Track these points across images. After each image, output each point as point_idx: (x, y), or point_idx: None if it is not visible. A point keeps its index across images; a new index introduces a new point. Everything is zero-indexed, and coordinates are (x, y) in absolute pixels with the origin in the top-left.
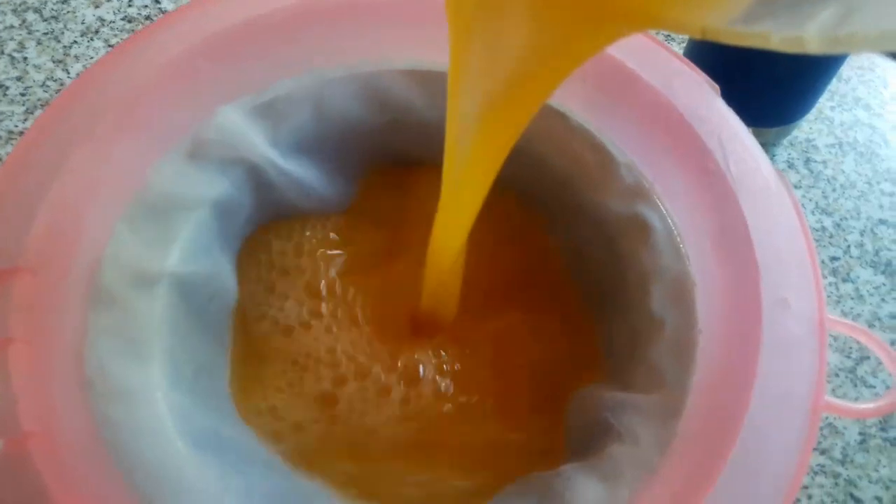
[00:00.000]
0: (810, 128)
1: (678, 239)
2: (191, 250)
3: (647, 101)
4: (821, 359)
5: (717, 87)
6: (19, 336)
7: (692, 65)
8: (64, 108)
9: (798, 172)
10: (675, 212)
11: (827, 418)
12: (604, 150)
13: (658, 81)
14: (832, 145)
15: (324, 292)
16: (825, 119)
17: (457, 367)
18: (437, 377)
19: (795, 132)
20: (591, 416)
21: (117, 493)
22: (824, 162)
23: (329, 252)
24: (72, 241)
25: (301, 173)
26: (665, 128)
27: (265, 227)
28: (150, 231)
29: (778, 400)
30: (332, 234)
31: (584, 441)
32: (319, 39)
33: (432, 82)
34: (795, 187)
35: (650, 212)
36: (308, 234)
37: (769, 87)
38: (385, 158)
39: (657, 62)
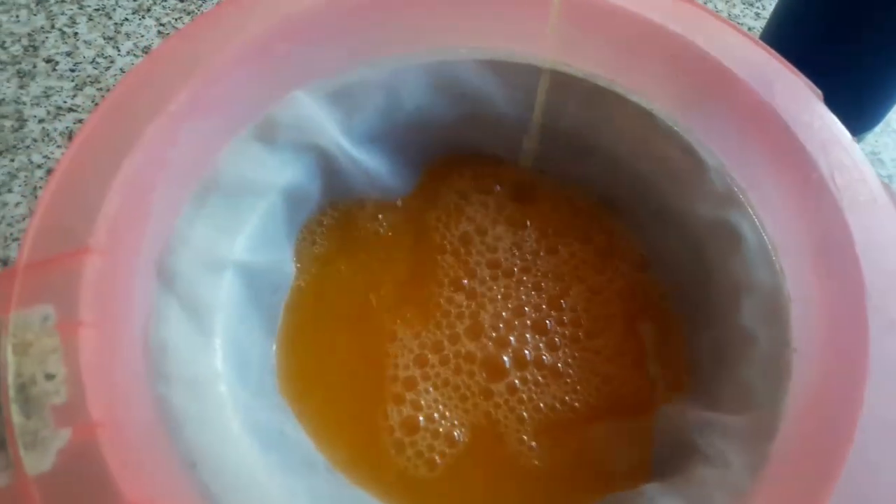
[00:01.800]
0: (876, 141)
1: (772, 251)
2: (259, 238)
3: (744, 103)
4: None
5: (819, 92)
6: (89, 319)
7: (793, 67)
8: (135, 86)
9: None
10: (770, 222)
11: None
12: (692, 152)
13: (757, 82)
14: None
15: (381, 289)
16: (892, 132)
17: (541, 377)
18: (519, 384)
19: (860, 145)
20: (676, 434)
21: (183, 487)
22: (889, 176)
23: (386, 243)
24: (141, 223)
25: (370, 162)
26: (762, 132)
27: (327, 213)
28: (220, 215)
29: (887, 430)
30: (391, 222)
31: (669, 461)
32: (397, 25)
33: (511, 74)
34: None
35: (741, 219)
36: (369, 220)
37: (841, 94)
38: (456, 150)
39: (756, 62)
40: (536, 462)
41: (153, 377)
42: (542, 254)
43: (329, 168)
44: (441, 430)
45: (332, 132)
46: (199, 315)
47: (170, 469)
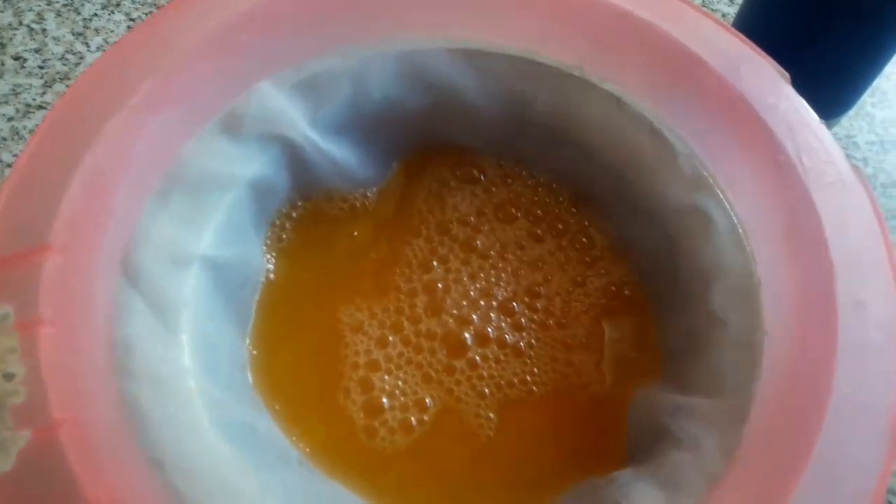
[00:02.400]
0: (851, 124)
1: (742, 234)
2: (225, 232)
3: (712, 88)
4: None
5: (787, 74)
6: (49, 317)
7: (760, 50)
8: (96, 79)
9: None
10: (739, 205)
11: None
12: (662, 139)
13: (723, 66)
14: (872, 143)
15: (352, 279)
16: (866, 115)
17: (511, 364)
18: (492, 373)
19: (835, 129)
20: (649, 420)
21: (149, 486)
22: (864, 159)
23: (357, 234)
24: (103, 218)
25: (338, 153)
26: (730, 116)
27: (296, 206)
28: (185, 209)
29: (856, 411)
30: (362, 214)
31: (643, 447)
32: (364, 14)
33: (481, 62)
34: None
35: (712, 204)
36: (339, 214)
37: (815, 78)
38: (427, 141)
39: (725, 48)
40: (501, 442)
41: (118, 375)
42: (510, 242)
43: (296, 160)
44: (405, 411)
45: (299, 123)
46: (165, 311)
47: (135, 469)
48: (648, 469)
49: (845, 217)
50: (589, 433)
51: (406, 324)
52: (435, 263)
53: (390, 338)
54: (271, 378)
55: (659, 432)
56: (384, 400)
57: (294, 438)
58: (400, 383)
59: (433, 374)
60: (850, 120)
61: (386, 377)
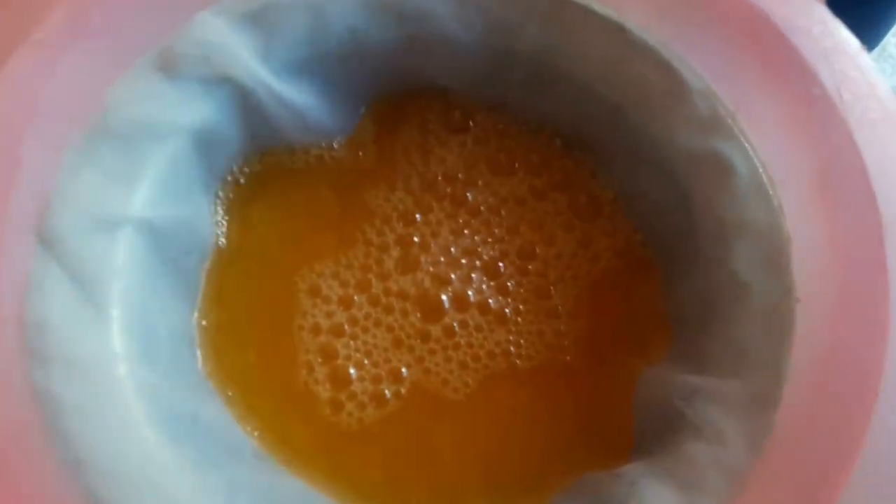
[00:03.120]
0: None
1: (768, 183)
2: (164, 190)
3: (731, 10)
4: None
5: None
6: None
7: None
8: None
9: None
10: (764, 149)
11: None
12: (672, 71)
13: None
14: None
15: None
16: (888, 57)
17: (494, 333)
18: (470, 341)
19: None
20: (660, 402)
21: (63, 492)
22: None
23: (325, 192)
24: (10, 175)
25: (297, 98)
26: (753, 43)
27: (251, 161)
28: (112, 163)
29: None
30: (330, 171)
31: (654, 434)
32: None
33: None
34: None
35: (731, 149)
36: (302, 168)
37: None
38: (400, 83)
39: None
40: (483, 425)
41: (29, 360)
42: (509, 198)
43: (247, 105)
44: (376, 383)
45: (248, 62)
46: (89, 284)
47: (48, 472)
48: (661, 463)
49: (894, 160)
50: (587, 417)
51: (374, 281)
52: (418, 216)
53: (355, 298)
54: (223, 357)
55: (672, 418)
56: (351, 370)
57: (248, 427)
58: (369, 351)
59: (404, 338)
60: (873, 60)
61: (351, 343)
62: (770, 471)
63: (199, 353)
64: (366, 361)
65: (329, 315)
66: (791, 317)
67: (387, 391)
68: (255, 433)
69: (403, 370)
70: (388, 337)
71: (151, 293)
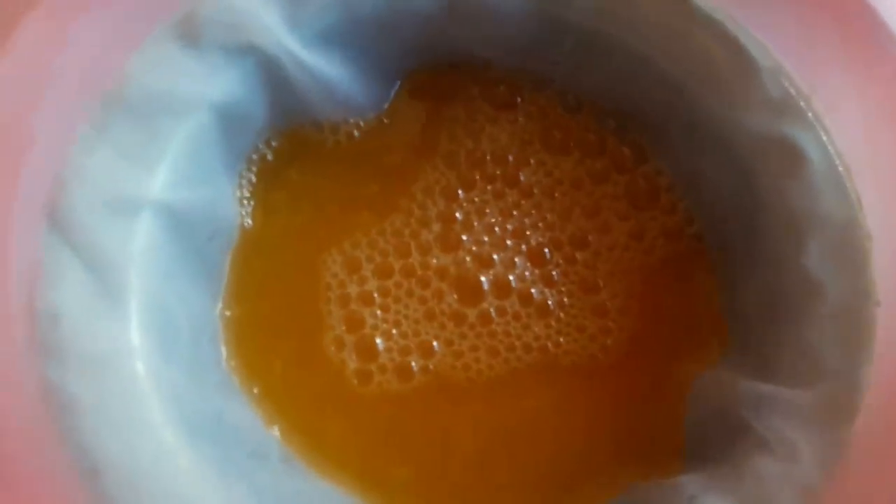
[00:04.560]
0: None
1: (845, 173)
2: (184, 170)
3: None
4: None
5: None
6: None
7: None
8: None
9: None
10: (842, 136)
11: None
12: (738, 46)
13: None
14: None
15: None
16: None
17: (532, 324)
18: (507, 330)
19: None
20: (720, 410)
21: (78, 501)
22: None
23: (357, 171)
24: (20, 152)
25: (327, 70)
26: (834, 15)
27: (277, 139)
28: (130, 140)
29: None
30: (362, 148)
31: (710, 444)
32: None
33: None
34: None
35: (803, 134)
36: (332, 146)
37: None
38: (439, 55)
39: None
40: (515, 423)
41: (41, 355)
42: (566, 179)
43: (274, 78)
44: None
45: (275, 30)
46: (105, 272)
47: (62, 478)
48: (722, 476)
49: None
50: (629, 421)
51: (415, 254)
52: (460, 192)
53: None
54: (248, 351)
55: (735, 428)
56: (377, 340)
57: (275, 425)
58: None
59: (437, 314)
60: None
61: (379, 312)
62: (845, 491)
63: (223, 347)
64: (394, 332)
65: (361, 294)
66: (870, 322)
67: (414, 364)
68: (282, 432)
69: (434, 344)
70: (421, 309)
71: (171, 282)
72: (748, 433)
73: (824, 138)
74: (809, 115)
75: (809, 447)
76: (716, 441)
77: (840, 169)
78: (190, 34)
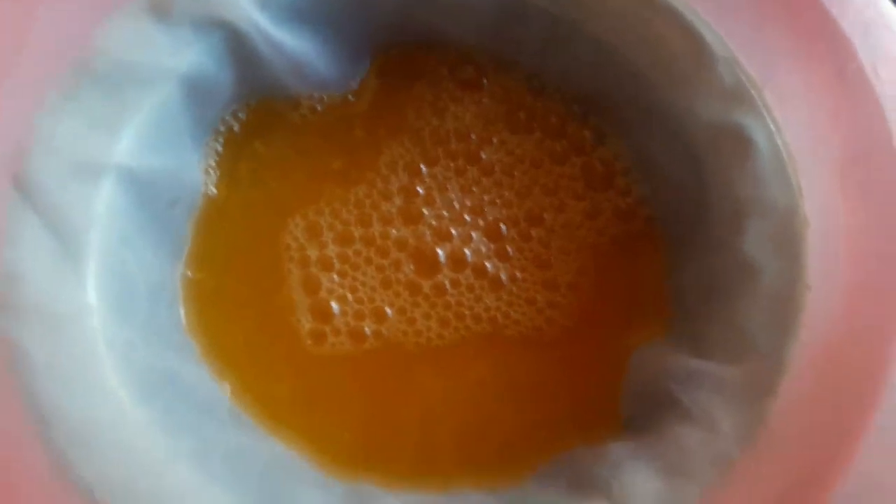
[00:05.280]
0: None
1: (790, 163)
2: (150, 138)
3: None
4: None
5: None
6: None
7: None
8: None
9: None
10: (789, 127)
11: None
12: (696, 36)
13: None
14: None
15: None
16: None
17: (484, 296)
18: (460, 300)
19: None
20: (653, 382)
21: (27, 448)
22: None
23: (322, 144)
24: None
25: (297, 47)
26: (787, 10)
27: (245, 111)
28: (95, 109)
29: None
30: (329, 123)
31: (643, 413)
32: None
33: None
34: None
35: (753, 123)
36: (299, 120)
37: None
38: (408, 36)
39: None
40: (458, 389)
41: None
42: (527, 158)
43: (243, 52)
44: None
45: (245, 6)
46: (66, 234)
47: (12, 426)
48: (648, 445)
49: None
50: (573, 391)
51: (376, 224)
52: (423, 168)
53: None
54: (206, 313)
55: (664, 400)
56: (333, 304)
57: (226, 382)
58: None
59: (393, 282)
60: None
61: (336, 277)
62: (759, 463)
63: (182, 308)
64: (350, 297)
65: (321, 258)
66: (799, 305)
67: (367, 329)
68: (233, 389)
69: (388, 311)
70: (378, 277)
71: (131, 245)
72: (676, 405)
73: (772, 128)
74: (760, 105)
75: (729, 420)
76: (648, 412)
77: (785, 159)
78: (161, 7)
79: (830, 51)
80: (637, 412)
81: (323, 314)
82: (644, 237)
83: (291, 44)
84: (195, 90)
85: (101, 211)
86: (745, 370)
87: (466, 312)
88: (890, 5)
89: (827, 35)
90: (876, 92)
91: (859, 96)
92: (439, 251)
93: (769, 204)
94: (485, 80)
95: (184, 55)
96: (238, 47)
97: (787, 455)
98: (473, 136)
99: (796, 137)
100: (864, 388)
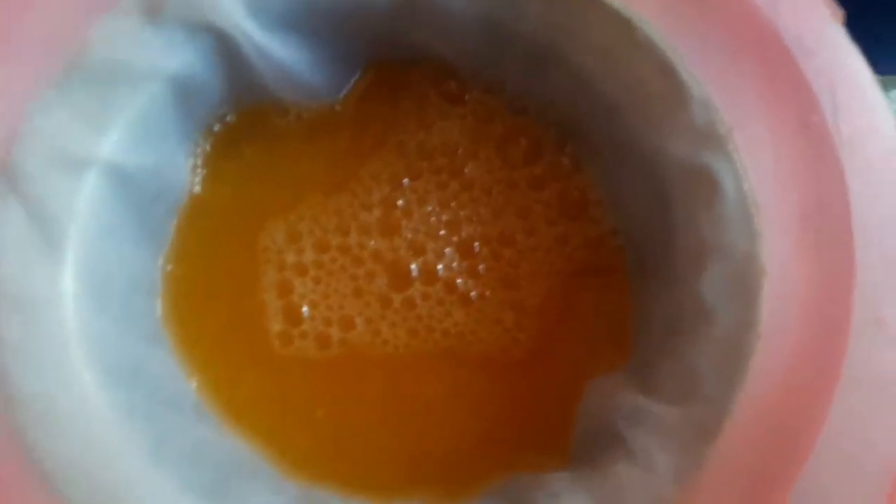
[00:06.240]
0: None
1: (753, 209)
2: (136, 135)
3: (742, 20)
4: None
5: (840, 11)
6: None
7: None
8: None
9: None
10: (755, 173)
11: None
12: (674, 76)
13: None
14: None
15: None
16: None
17: (453, 312)
18: (431, 313)
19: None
20: (601, 417)
21: None
22: None
23: (308, 150)
24: None
25: (286, 56)
26: (760, 59)
27: (233, 114)
28: (84, 104)
29: (850, 455)
30: (316, 130)
31: (589, 445)
32: None
33: None
34: None
35: (722, 166)
36: (286, 126)
37: (876, 19)
38: (399, 51)
39: None
40: (414, 401)
41: None
42: (506, 179)
43: (231, 57)
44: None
45: (234, 10)
46: (47, 223)
47: None
48: (588, 479)
49: (883, 208)
50: (527, 416)
51: (353, 234)
52: (405, 181)
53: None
54: (183, 308)
55: (610, 434)
56: (304, 309)
57: (195, 379)
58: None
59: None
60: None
61: (309, 283)
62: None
63: (158, 301)
64: (321, 303)
65: (297, 263)
66: (748, 352)
67: (333, 335)
68: (199, 384)
69: (356, 320)
70: (351, 286)
71: (111, 238)
72: (620, 441)
73: (740, 173)
74: (730, 148)
75: (668, 462)
76: (594, 444)
77: (749, 204)
78: (153, 8)
79: (797, 102)
80: (585, 444)
81: (293, 317)
82: (612, 268)
83: (279, 52)
84: (184, 91)
85: (84, 202)
86: (687, 412)
87: (436, 327)
88: (861, 63)
89: (795, 86)
90: (836, 146)
91: (820, 149)
92: (412, 266)
93: (730, 248)
94: (468, 98)
95: (174, 56)
96: (226, 52)
97: (724, 496)
98: (459, 152)
99: (760, 183)
100: (798, 444)
